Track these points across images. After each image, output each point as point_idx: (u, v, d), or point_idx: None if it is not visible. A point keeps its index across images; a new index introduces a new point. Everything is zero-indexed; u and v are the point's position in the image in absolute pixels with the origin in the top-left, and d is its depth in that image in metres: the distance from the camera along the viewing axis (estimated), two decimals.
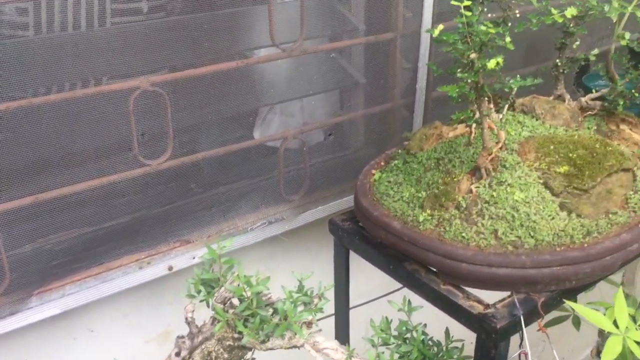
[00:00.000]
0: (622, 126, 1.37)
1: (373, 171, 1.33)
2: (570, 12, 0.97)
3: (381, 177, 1.29)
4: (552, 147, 1.18)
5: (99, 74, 1.29)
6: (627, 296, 2.72)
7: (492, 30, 0.98)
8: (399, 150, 1.35)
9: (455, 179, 1.16)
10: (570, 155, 1.16)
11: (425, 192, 1.18)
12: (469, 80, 1.03)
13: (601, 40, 2.01)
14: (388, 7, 1.58)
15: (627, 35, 1.32)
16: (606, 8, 1.26)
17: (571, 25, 1.29)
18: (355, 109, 1.69)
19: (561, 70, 1.36)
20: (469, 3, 1.05)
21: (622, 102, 1.32)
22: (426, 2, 1.57)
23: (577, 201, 1.12)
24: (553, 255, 1.03)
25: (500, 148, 1.19)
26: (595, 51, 1.31)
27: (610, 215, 1.12)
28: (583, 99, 1.38)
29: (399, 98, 1.67)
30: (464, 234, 1.08)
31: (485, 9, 1.20)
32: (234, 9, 1.42)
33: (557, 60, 1.35)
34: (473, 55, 1.02)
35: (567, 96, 1.39)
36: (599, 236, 1.08)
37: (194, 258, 1.43)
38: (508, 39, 1.07)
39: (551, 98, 1.39)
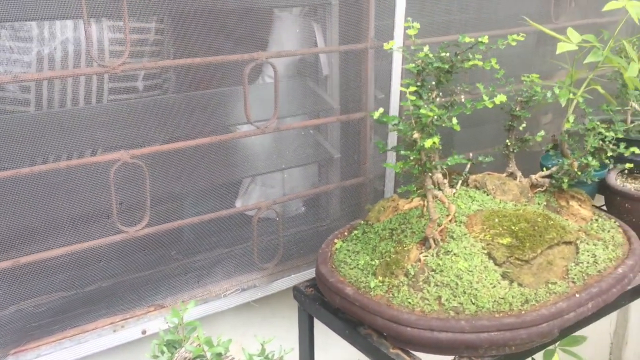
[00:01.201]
0: (572, 202, 1.45)
1: (335, 240, 1.41)
2: (500, 99, 1.08)
3: (342, 246, 1.37)
4: (497, 220, 1.27)
5: (84, 147, 1.41)
6: None
7: (431, 114, 1.09)
8: (361, 221, 1.44)
9: (405, 248, 1.24)
10: (513, 227, 1.25)
11: (378, 260, 1.26)
12: (412, 157, 1.13)
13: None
14: (359, 89, 1.71)
15: (572, 118, 1.43)
16: (548, 94, 1.37)
17: (517, 109, 1.41)
18: (330, 182, 1.79)
19: (511, 150, 1.46)
20: (414, 89, 1.17)
21: (566, 180, 1.42)
22: (393, 86, 1.69)
23: (519, 271, 1.19)
24: (490, 321, 1.10)
25: (450, 220, 1.28)
26: (542, 132, 1.42)
27: (550, 285, 1.19)
28: (533, 177, 1.47)
29: (370, 172, 1.77)
30: (410, 300, 1.16)
31: (441, 93, 1.33)
32: (213, 89, 1.55)
33: (507, 141, 1.46)
34: (415, 135, 1.12)
35: (519, 173, 1.48)
36: (537, 304, 1.15)
37: (167, 322, 1.49)
38: (455, 121, 1.18)
39: (504, 175, 1.48)
